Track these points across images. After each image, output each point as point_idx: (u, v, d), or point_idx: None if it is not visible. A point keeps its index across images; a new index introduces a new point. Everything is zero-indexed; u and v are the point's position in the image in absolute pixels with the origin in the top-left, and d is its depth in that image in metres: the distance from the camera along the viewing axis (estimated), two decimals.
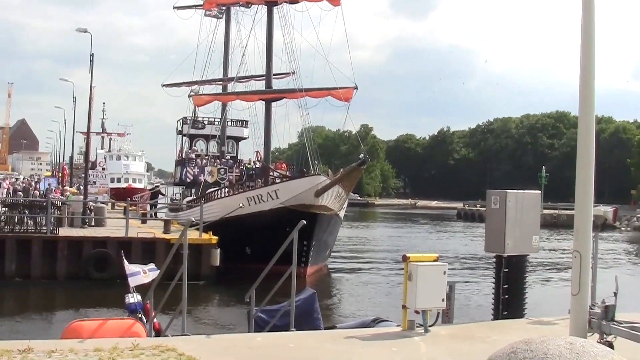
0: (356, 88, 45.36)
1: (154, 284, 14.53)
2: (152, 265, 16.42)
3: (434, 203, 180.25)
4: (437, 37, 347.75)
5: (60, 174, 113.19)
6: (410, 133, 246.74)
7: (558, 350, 5.63)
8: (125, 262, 16.57)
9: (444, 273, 12.71)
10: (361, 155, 37.23)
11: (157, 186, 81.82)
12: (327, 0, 46.40)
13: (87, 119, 52.69)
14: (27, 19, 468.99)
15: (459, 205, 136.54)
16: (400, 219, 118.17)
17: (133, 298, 14.93)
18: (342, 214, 44.12)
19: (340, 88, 44.84)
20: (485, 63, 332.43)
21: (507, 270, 14.78)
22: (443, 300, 12.69)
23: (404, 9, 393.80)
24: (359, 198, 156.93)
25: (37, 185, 69.75)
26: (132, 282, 15.41)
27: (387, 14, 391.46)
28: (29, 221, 36.18)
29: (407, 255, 12.84)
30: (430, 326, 12.69)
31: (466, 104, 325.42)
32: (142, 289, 15.67)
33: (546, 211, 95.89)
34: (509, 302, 14.85)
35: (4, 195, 54.86)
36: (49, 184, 75.03)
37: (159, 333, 14.26)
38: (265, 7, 48.26)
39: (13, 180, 72.59)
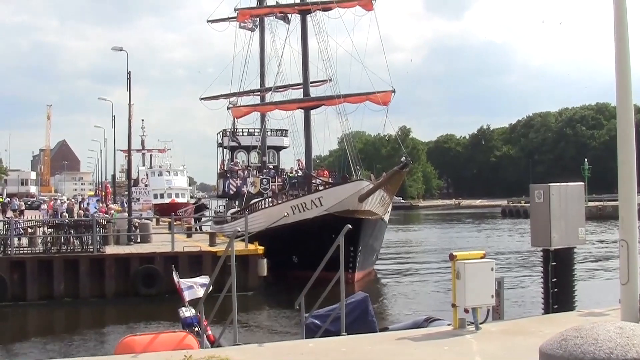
0: (394, 91, 45.32)
1: (204, 296, 14.65)
2: (204, 277, 16.56)
3: (478, 202, 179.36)
4: (472, 35, 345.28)
5: (103, 193, 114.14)
6: (450, 133, 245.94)
7: (608, 335, 5.68)
8: (177, 277, 16.71)
9: (492, 269, 12.69)
10: (403, 158, 37.18)
11: (200, 199, 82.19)
12: (360, 6, 46.44)
13: (128, 137, 52.96)
14: (64, 40, 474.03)
15: (503, 202, 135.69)
16: (445, 220, 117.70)
17: (188, 312, 15.08)
18: (387, 217, 44.00)
19: (378, 92, 44.82)
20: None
21: (554, 263, 14.73)
22: (492, 297, 12.67)
23: (438, 9, 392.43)
24: (402, 201, 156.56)
25: (82, 205, 70.27)
26: (188, 296, 15.58)
27: (421, 15, 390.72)
28: (76, 241, 36.52)
29: (454, 253, 12.84)
30: (481, 323, 12.67)
31: (504, 100, 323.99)
32: (191, 302, 15.83)
33: (591, 203, 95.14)
34: (559, 295, 14.81)
35: (44, 217, 55.38)
36: (93, 204, 75.64)
37: (213, 344, 14.36)
38: (299, 15, 48.40)
39: (58, 203, 73.20)
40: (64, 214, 58.52)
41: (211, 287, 14.90)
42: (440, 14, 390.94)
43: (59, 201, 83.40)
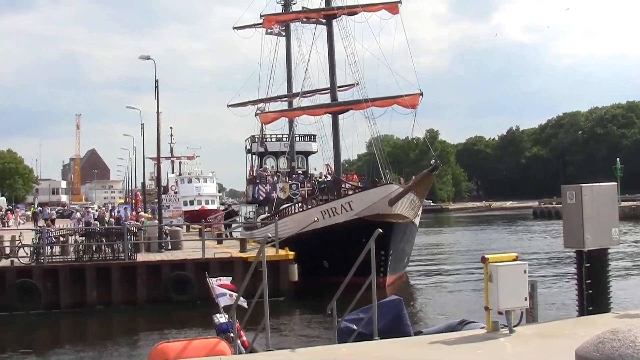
0: (421, 94, 45.10)
1: (236, 302, 14.62)
2: (228, 278, 16.54)
3: (508, 203, 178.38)
4: (500, 36, 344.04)
5: (133, 201, 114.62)
6: (479, 135, 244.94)
7: None
8: (212, 283, 16.71)
9: (525, 272, 12.58)
10: (432, 161, 37.00)
11: (230, 205, 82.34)
12: (386, 9, 46.32)
13: (157, 145, 53.16)
14: (91, 49, 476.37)
15: (534, 203, 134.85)
16: (476, 222, 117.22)
17: (223, 318, 15.07)
18: (417, 221, 43.87)
19: (405, 95, 44.64)
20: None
21: (588, 265, 14.57)
22: (526, 299, 12.56)
23: (465, 12, 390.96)
24: (432, 204, 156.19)
25: (112, 213, 70.60)
26: (222, 302, 15.58)
27: (447, 18, 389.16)
28: (107, 249, 36.72)
29: (486, 256, 12.74)
30: (514, 326, 12.56)
31: (534, 101, 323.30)
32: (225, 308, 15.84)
33: (624, 203, 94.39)
34: (593, 297, 14.63)
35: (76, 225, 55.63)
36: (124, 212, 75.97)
37: (247, 351, 14.32)
38: (325, 20, 48.36)
39: (91, 214, 73.58)
40: (95, 222, 58.77)
41: (241, 294, 14.87)
42: (466, 16, 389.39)
43: (90, 210, 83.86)
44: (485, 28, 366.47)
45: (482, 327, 13.17)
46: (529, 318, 13.50)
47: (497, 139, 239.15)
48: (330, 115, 48.60)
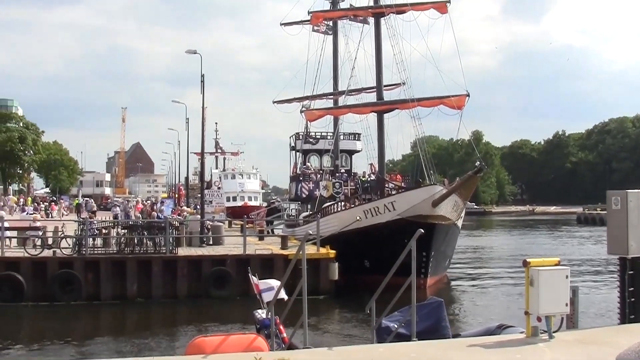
0: (468, 95, 44.77)
1: (274, 299, 14.62)
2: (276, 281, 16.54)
3: (552, 208, 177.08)
4: (550, 39, 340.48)
5: (176, 195, 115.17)
6: (525, 138, 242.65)
7: None
8: (254, 279, 16.71)
9: (567, 277, 12.45)
10: (477, 163, 36.80)
11: (274, 202, 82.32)
12: (435, 9, 46.06)
13: (201, 140, 53.38)
14: (140, 43, 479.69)
15: (579, 209, 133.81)
16: (519, 226, 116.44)
17: (264, 314, 15.09)
18: (460, 223, 43.62)
19: (452, 96, 44.37)
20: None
21: (631, 272, 14.40)
22: (566, 305, 12.43)
23: (515, 12, 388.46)
24: (475, 207, 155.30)
25: (155, 207, 71.03)
26: (266, 298, 15.60)
27: (497, 18, 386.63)
28: (149, 242, 36.94)
29: (528, 260, 12.62)
30: (554, 332, 12.44)
31: (581, 106, 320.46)
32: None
33: None
34: (636, 304, 14.46)
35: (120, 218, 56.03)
36: (168, 206, 76.45)
37: (287, 347, 14.32)
38: (373, 18, 48.21)
39: (131, 204, 74.23)
40: (138, 215, 59.18)
41: (282, 289, 14.86)
42: (517, 17, 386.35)
43: (130, 203, 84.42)
44: (535, 30, 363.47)
45: (522, 332, 13.05)
46: (569, 324, 13.38)
47: (542, 142, 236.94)
48: (376, 114, 48.36)
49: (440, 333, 14.26)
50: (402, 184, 49.61)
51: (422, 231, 13.66)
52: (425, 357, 11.27)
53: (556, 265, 12.65)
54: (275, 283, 16.53)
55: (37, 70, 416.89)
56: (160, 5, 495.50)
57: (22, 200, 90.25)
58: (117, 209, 76.58)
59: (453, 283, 43.98)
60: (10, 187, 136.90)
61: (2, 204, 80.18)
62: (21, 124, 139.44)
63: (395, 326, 14.18)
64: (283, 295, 15.31)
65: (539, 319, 12.33)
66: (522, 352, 11.50)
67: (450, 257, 45.63)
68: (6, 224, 38.72)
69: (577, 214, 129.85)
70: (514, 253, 60.92)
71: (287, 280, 14.14)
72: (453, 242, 44.47)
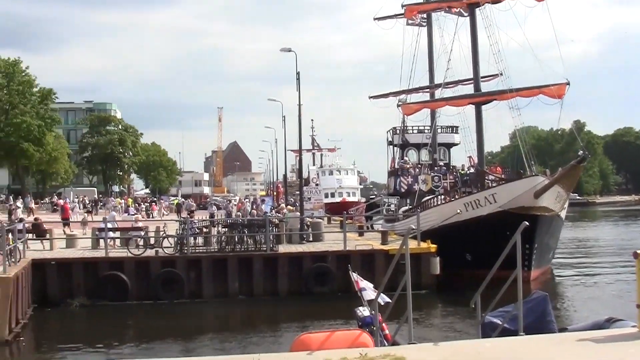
0: (568, 84, 43.94)
1: (377, 295, 14.46)
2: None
3: None
4: None
5: (274, 193, 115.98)
6: (629, 126, 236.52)
7: None
8: (355, 275, 16.62)
9: None
10: (580, 152, 36.06)
11: (372, 198, 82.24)
12: None
13: (299, 137, 53.65)
14: (233, 43, 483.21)
15: None
16: (624, 217, 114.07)
17: (365, 311, 14.98)
18: (563, 214, 42.89)
19: (551, 85, 43.62)
20: None
21: None
22: None
23: None
24: (578, 197, 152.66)
25: (254, 205, 71.68)
26: (366, 296, 15.49)
27: (598, 3, 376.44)
28: (249, 240, 37.16)
29: (638, 251, 12.18)
30: None
31: None
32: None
33: None
34: None
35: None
36: (268, 204, 77.11)
37: (390, 344, 14.16)
38: (468, 10, 47.68)
39: (232, 203, 75.16)
40: (238, 213, 59.74)
41: (383, 287, 14.70)
42: (618, 2, 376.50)
43: (231, 202, 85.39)
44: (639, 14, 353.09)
45: (633, 326, 12.59)
46: None
47: None
48: (474, 106, 47.90)
49: (545, 328, 13.91)
50: (503, 175, 48.97)
51: (527, 224, 13.32)
52: (534, 352, 10.95)
53: None
54: (370, 285, 16.42)
55: (133, 73, 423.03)
56: (254, 5, 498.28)
57: (123, 201, 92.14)
58: (213, 207, 77.79)
59: (557, 276, 43.30)
60: (111, 189, 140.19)
61: (110, 205, 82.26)
62: (120, 127, 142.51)
63: (500, 321, 13.91)
64: (386, 298, 15.13)
65: None
66: (636, 346, 11.07)
67: (554, 249, 44.90)
68: (112, 225, 39.62)
69: None
70: (621, 244, 59.72)
71: (389, 276, 13.93)
72: (557, 233, 43.73)
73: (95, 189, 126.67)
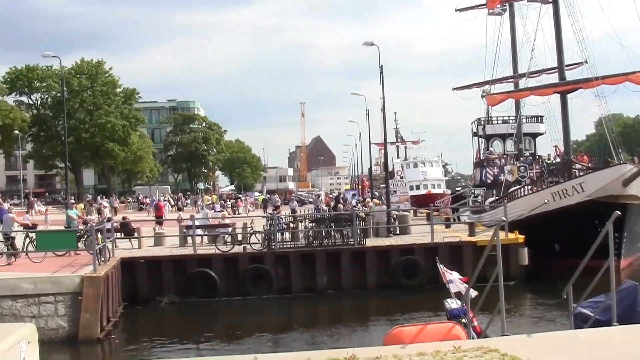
0: None
1: (469, 288, 14.53)
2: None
3: None
4: None
5: (359, 186, 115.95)
6: None
7: None
8: (443, 268, 16.70)
9: None
10: None
11: (459, 189, 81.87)
12: None
13: (383, 130, 53.79)
14: (315, 38, 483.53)
15: None
16: None
17: (454, 303, 15.05)
18: None
19: (637, 72, 42.99)
20: None
21: None
22: None
23: None
24: None
25: (341, 199, 71.83)
26: (453, 288, 15.57)
27: None
28: (336, 234, 37.33)
29: None
30: None
31: None
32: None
33: None
34: None
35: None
36: (356, 198, 77.46)
37: (479, 336, 14.21)
38: None
39: (320, 198, 75.66)
40: (325, 208, 59.96)
41: (473, 281, 14.74)
42: None
43: (320, 197, 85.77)
44: None
45: None
46: None
47: None
48: (559, 95, 47.42)
49: (636, 318, 13.80)
50: (590, 164, 48.35)
51: (619, 213, 13.25)
52: (630, 343, 10.90)
53: None
54: (457, 276, 16.46)
55: (216, 71, 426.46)
56: (332, 0, 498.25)
57: (209, 198, 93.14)
58: (294, 203, 78.44)
59: None
60: (197, 186, 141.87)
61: (199, 202, 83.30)
62: (204, 125, 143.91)
63: (591, 312, 13.84)
64: (473, 293, 15.17)
65: None
66: None
67: None
68: (199, 222, 40.14)
69: None
70: None
71: (480, 268, 13.97)
72: None
73: (168, 186, 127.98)
